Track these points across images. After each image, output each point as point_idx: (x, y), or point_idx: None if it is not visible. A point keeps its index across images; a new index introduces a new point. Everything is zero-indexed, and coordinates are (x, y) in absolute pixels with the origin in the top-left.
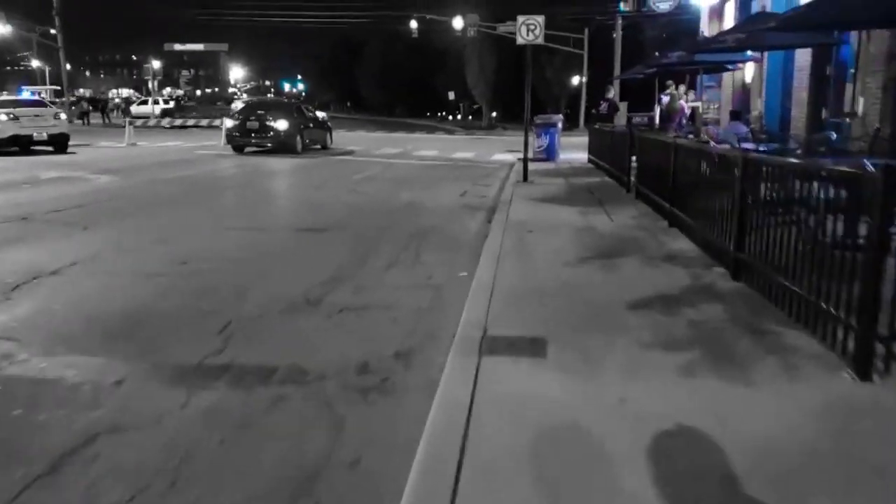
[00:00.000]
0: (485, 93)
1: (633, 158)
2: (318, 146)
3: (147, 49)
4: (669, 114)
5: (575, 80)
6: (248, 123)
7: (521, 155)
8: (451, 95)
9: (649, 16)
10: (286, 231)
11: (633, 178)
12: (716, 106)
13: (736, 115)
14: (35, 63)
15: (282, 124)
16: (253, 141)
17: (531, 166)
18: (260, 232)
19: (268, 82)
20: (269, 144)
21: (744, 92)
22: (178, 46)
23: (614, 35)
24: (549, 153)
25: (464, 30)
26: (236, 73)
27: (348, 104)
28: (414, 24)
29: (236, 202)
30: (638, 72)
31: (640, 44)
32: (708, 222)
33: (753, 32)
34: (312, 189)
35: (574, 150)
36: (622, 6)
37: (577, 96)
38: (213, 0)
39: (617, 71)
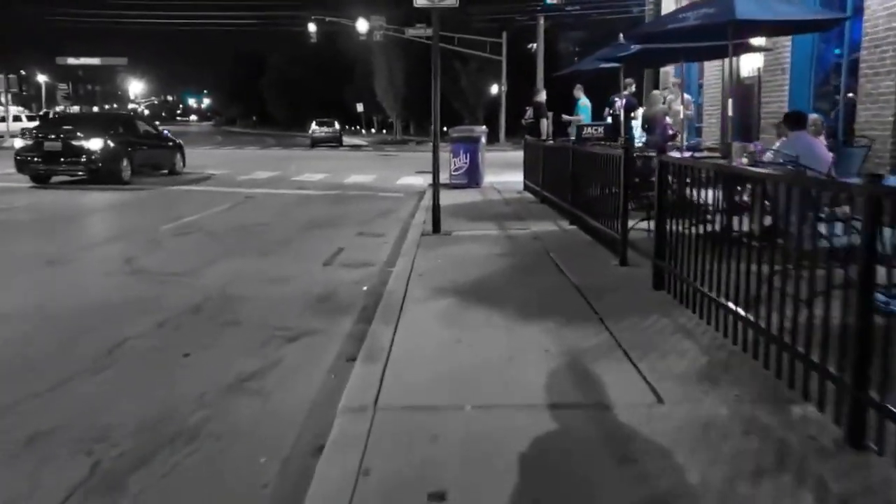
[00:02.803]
0: (394, 105)
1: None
2: (164, 171)
3: (37, 63)
4: (648, 121)
5: (493, 89)
6: (47, 144)
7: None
8: (360, 108)
9: (576, 13)
10: None
11: (628, 235)
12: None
13: (799, 122)
14: None
15: (94, 144)
16: (60, 168)
17: (447, 196)
18: None
19: (170, 97)
20: (81, 172)
21: (742, 89)
22: (71, 60)
23: (531, 48)
24: (471, 176)
25: (369, 33)
26: (136, 88)
27: (254, 119)
28: (312, 27)
29: None
30: (607, 56)
31: (556, 54)
32: None
33: None
34: (52, 266)
35: (499, 171)
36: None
37: (495, 106)
38: (110, 7)
39: (540, 77)
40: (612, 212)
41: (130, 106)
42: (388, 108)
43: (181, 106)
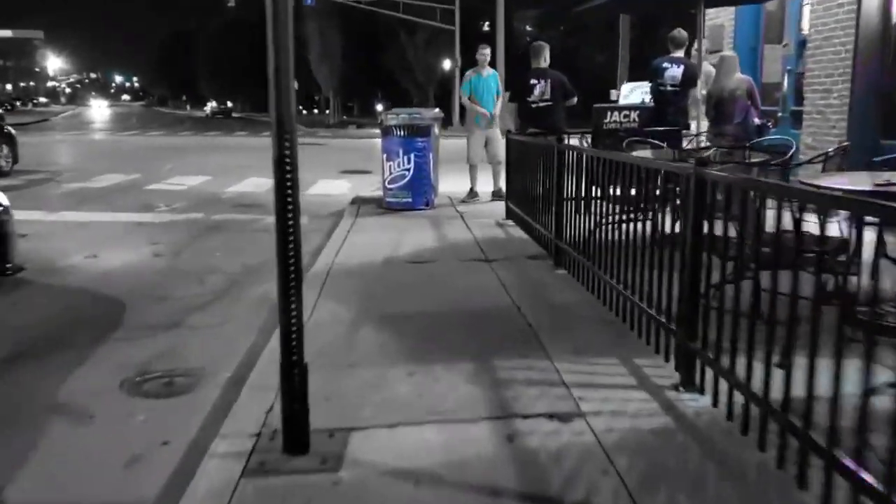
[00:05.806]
0: (329, 80)
1: None
2: None
3: None
4: (721, 103)
5: (446, 64)
6: None
7: (368, 183)
8: (294, 85)
9: None
10: None
11: None
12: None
13: None
14: None
15: None
16: None
17: (370, 234)
18: None
19: (94, 75)
20: None
21: (879, 49)
22: None
23: (483, 25)
24: (418, 191)
25: None
26: (55, 64)
27: (184, 98)
28: None
29: None
30: None
31: (511, 33)
32: None
33: None
34: None
35: (457, 170)
36: None
37: (448, 85)
38: None
39: (501, 50)
40: None
41: (50, 84)
42: (323, 85)
43: (113, 84)
